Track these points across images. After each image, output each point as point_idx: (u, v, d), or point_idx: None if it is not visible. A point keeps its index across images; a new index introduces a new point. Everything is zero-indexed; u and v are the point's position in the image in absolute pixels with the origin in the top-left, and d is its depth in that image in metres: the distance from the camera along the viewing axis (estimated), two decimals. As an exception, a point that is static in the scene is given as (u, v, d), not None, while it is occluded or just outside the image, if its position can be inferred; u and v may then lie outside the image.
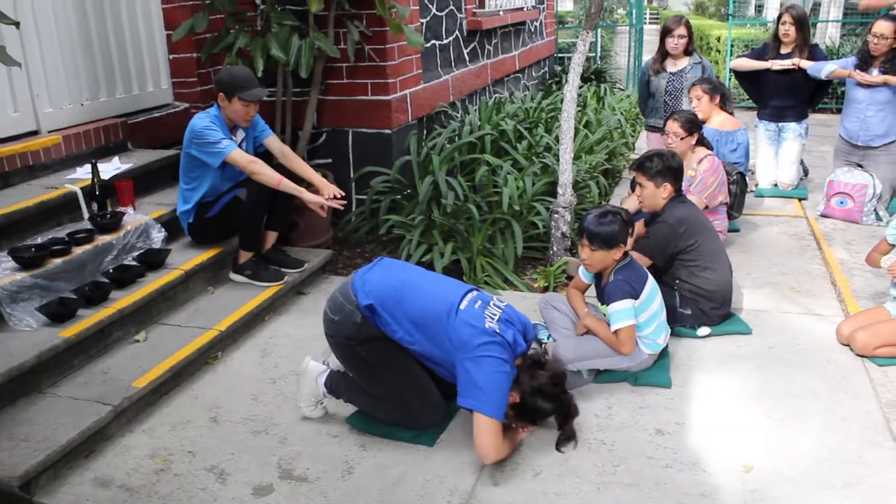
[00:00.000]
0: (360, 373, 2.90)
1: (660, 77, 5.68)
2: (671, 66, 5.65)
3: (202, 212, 3.94)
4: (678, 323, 3.59)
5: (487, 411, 2.57)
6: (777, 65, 5.62)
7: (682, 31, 5.54)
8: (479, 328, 2.64)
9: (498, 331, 2.65)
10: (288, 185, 3.79)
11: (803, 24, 5.61)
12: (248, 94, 3.75)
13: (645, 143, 6.35)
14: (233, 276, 4.04)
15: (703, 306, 3.60)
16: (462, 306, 2.71)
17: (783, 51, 5.66)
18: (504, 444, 2.66)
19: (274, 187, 3.78)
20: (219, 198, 3.92)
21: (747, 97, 6.21)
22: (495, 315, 2.71)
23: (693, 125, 4.44)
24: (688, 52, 5.64)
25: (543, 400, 2.67)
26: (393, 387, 2.84)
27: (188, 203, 3.93)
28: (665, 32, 5.62)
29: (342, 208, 3.93)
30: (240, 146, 3.97)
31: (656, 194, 3.65)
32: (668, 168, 3.64)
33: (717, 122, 5.04)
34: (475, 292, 2.82)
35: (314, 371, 2.99)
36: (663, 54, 5.69)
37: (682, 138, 4.41)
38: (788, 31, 5.58)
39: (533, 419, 2.74)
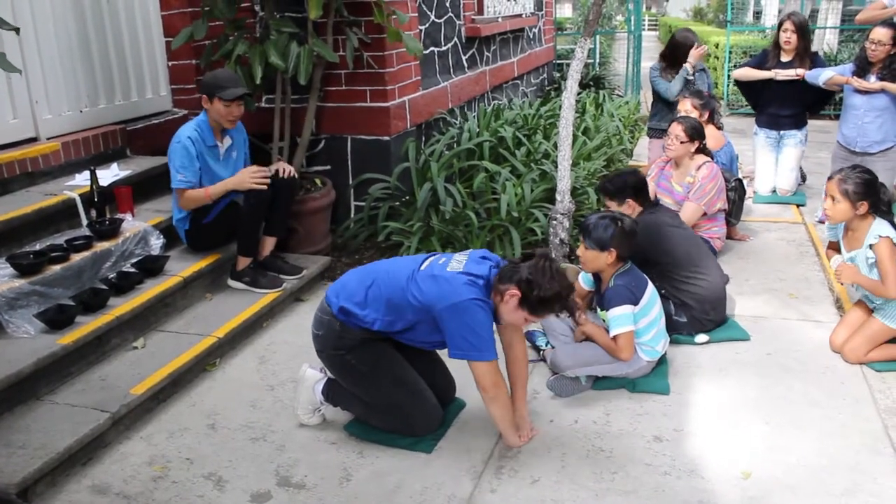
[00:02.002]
0: (354, 383, 2.90)
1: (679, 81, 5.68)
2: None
3: (198, 218, 3.94)
4: (675, 331, 3.59)
5: (475, 356, 2.58)
6: (781, 75, 5.59)
7: (698, 42, 5.65)
8: (440, 276, 2.64)
9: (461, 270, 2.65)
10: (215, 190, 3.85)
11: (805, 32, 5.58)
12: (228, 94, 3.78)
13: (647, 148, 6.36)
14: (231, 282, 4.05)
15: (695, 313, 3.61)
16: (422, 267, 2.73)
17: (784, 58, 5.63)
18: (501, 383, 2.69)
19: (207, 200, 3.85)
20: (214, 203, 3.93)
21: (746, 103, 6.20)
22: (461, 260, 2.72)
23: (696, 132, 4.45)
24: None
25: (543, 283, 2.57)
26: (387, 393, 2.84)
27: (182, 211, 3.94)
28: (687, 47, 5.62)
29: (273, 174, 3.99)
30: (228, 152, 4.02)
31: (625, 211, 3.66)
32: (626, 185, 3.69)
33: None
34: (439, 255, 2.82)
35: (311, 379, 2.99)
36: (676, 63, 5.68)
37: (682, 142, 4.42)
38: (790, 38, 5.55)
39: (543, 307, 2.62)
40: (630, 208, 3.68)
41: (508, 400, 2.78)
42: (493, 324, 2.68)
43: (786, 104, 5.72)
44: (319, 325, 2.86)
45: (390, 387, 2.83)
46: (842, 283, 3.52)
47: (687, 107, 5.02)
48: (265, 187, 3.88)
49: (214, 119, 3.87)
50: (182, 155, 3.79)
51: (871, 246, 3.32)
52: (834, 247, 3.68)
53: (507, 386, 2.77)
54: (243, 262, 4.03)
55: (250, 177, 3.84)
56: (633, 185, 3.71)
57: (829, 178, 3.44)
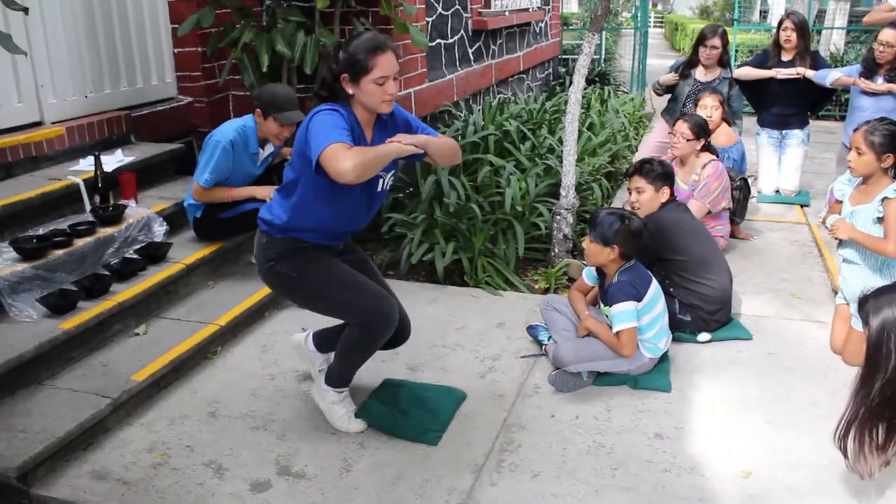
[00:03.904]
0: (293, 293, 2.86)
1: (685, 83, 5.60)
2: (700, 75, 5.54)
3: (215, 210, 3.92)
4: (678, 329, 3.58)
5: (316, 151, 2.42)
6: (782, 74, 5.56)
7: (715, 41, 5.41)
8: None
9: None
10: (239, 193, 3.88)
11: (804, 30, 5.55)
12: (284, 117, 3.76)
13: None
14: None
15: (701, 313, 3.60)
16: None
17: (784, 58, 5.60)
18: (356, 155, 2.38)
19: (227, 199, 3.87)
20: (239, 203, 3.91)
21: (747, 103, 6.15)
22: None
23: (702, 130, 4.45)
24: (722, 63, 5.55)
25: (353, 41, 2.56)
26: (327, 289, 2.75)
27: None
28: (699, 41, 5.52)
29: None
30: (266, 158, 4.03)
31: (655, 198, 3.67)
32: (667, 174, 3.70)
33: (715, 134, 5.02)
34: None
35: (300, 339, 3.12)
36: (693, 63, 5.59)
37: (688, 139, 4.41)
38: (790, 37, 5.52)
39: (364, 57, 2.51)
40: (663, 196, 3.69)
41: (365, 150, 2.46)
42: (349, 127, 2.53)
43: (788, 104, 5.69)
44: (255, 252, 2.85)
45: (324, 280, 2.75)
46: (836, 239, 3.42)
47: (714, 103, 4.98)
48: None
49: (263, 133, 3.87)
50: (220, 157, 3.75)
51: (883, 199, 3.25)
52: (834, 209, 3.63)
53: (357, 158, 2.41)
54: None
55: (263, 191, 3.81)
56: (671, 173, 3.77)
57: (856, 130, 3.39)
